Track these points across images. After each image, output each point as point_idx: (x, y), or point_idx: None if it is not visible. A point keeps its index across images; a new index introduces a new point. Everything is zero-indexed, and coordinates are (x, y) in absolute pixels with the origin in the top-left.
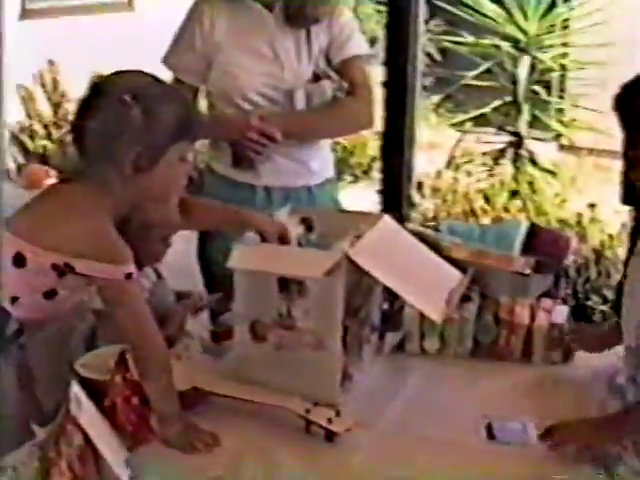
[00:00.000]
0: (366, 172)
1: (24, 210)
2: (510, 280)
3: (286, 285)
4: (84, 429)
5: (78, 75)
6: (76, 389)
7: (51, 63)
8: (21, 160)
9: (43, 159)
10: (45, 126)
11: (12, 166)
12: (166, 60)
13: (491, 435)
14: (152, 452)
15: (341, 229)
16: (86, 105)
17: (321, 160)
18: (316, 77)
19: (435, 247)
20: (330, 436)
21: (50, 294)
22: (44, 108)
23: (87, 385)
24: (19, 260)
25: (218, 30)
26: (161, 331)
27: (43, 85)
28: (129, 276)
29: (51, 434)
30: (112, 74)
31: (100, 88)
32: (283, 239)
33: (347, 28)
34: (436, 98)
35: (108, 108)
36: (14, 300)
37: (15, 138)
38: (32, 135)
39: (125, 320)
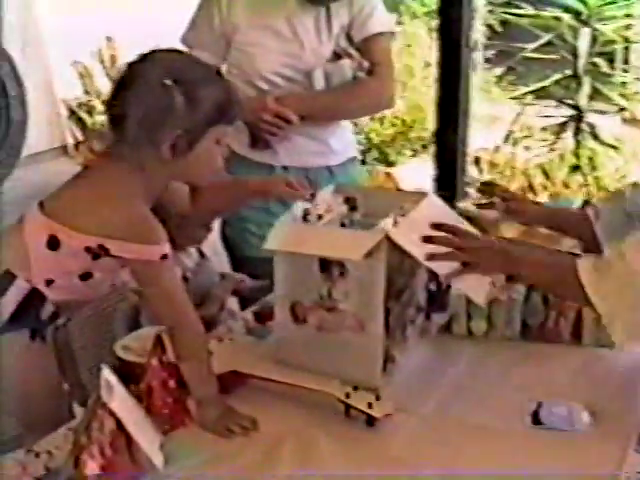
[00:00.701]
0: (425, 146)
1: (58, 193)
2: None
3: (327, 266)
4: (116, 414)
5: (136, 52)
6: (106, 373)
7: (109, 40)
8: (79, 136)
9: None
10: (104, 102)
11: (70, 142)
12: (185, 39)
13: (537, 420)
14: (189, 436)
15: (385, 208)
16: (125, 87)
17: (342, 139)
18: (337, 56)
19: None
20: (371, 421)
21: (86, 276)
22: (102, 85)
23: (125, 367)
24: (53, 243)
25: (236, 9)
26: (201, 311)
27: (102, 62)
28: (164, 257)
29: (83, 419)
30: (150, 54)
31: (139, 70)
32: (290, 187)
33: (368, 5)
34: (499, 71)
35: (149, 93)
36: (49, 283)
37: (73, 114)
38: (90, 111)
39: (160, 301)
